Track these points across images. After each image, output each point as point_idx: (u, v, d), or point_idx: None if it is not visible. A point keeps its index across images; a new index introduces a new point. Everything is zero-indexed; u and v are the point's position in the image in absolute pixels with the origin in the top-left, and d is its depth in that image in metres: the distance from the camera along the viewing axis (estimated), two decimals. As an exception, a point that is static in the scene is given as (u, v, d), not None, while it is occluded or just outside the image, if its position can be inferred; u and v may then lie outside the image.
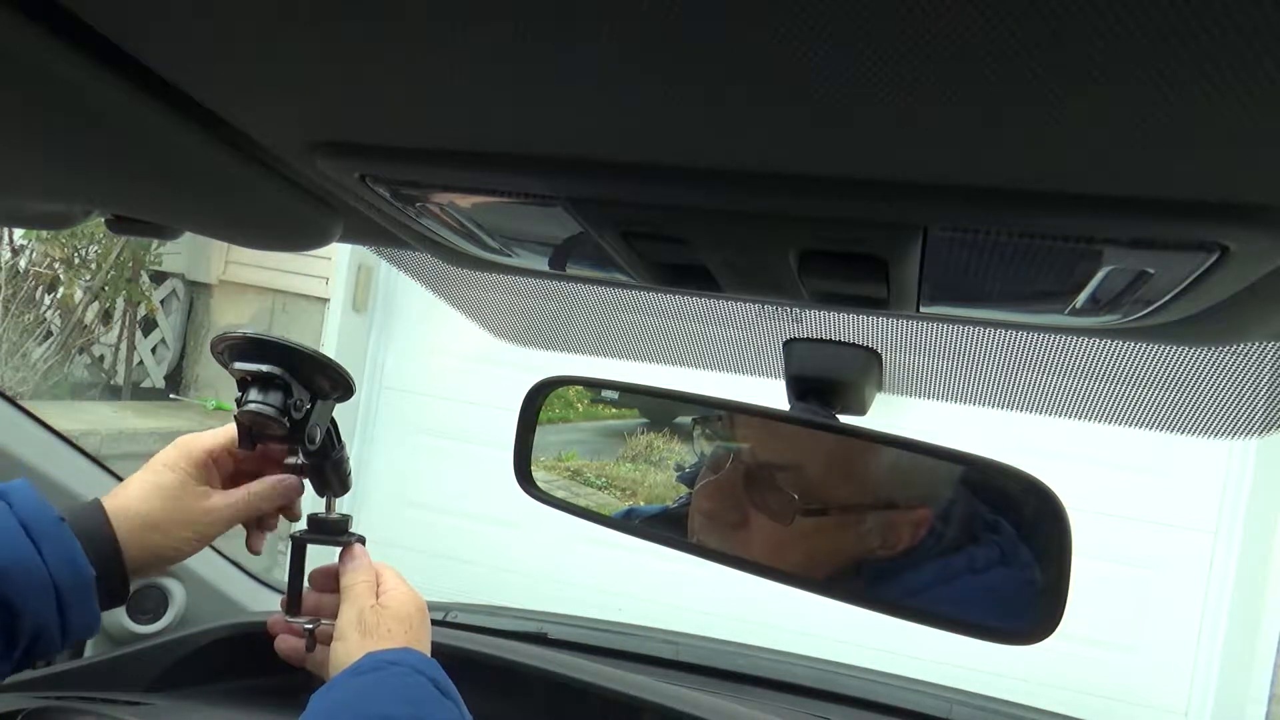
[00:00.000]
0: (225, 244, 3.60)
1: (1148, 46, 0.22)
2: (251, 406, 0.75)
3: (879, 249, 0.38)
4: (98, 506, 0.75)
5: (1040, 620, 0.62)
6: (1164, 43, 0.21)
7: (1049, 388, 0.75)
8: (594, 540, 3.20)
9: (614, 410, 0.89)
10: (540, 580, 3.40)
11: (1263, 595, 2.92)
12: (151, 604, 1.15)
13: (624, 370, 0.83)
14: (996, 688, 1.42)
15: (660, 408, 0.83)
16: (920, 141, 0.29)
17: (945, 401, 0.83)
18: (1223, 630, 2.96)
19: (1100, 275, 0.37)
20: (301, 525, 0.86)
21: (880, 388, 0.73)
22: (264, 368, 0.75)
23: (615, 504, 0.83)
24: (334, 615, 0.77)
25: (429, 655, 0.74)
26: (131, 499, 0.76)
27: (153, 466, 0.79)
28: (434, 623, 1.20)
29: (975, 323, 0.55)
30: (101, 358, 4.52)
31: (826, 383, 0.69)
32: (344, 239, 0.63)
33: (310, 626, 0.82)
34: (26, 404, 1.15)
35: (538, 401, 0.84)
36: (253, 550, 0.85)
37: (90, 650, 1.13)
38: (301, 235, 0.59)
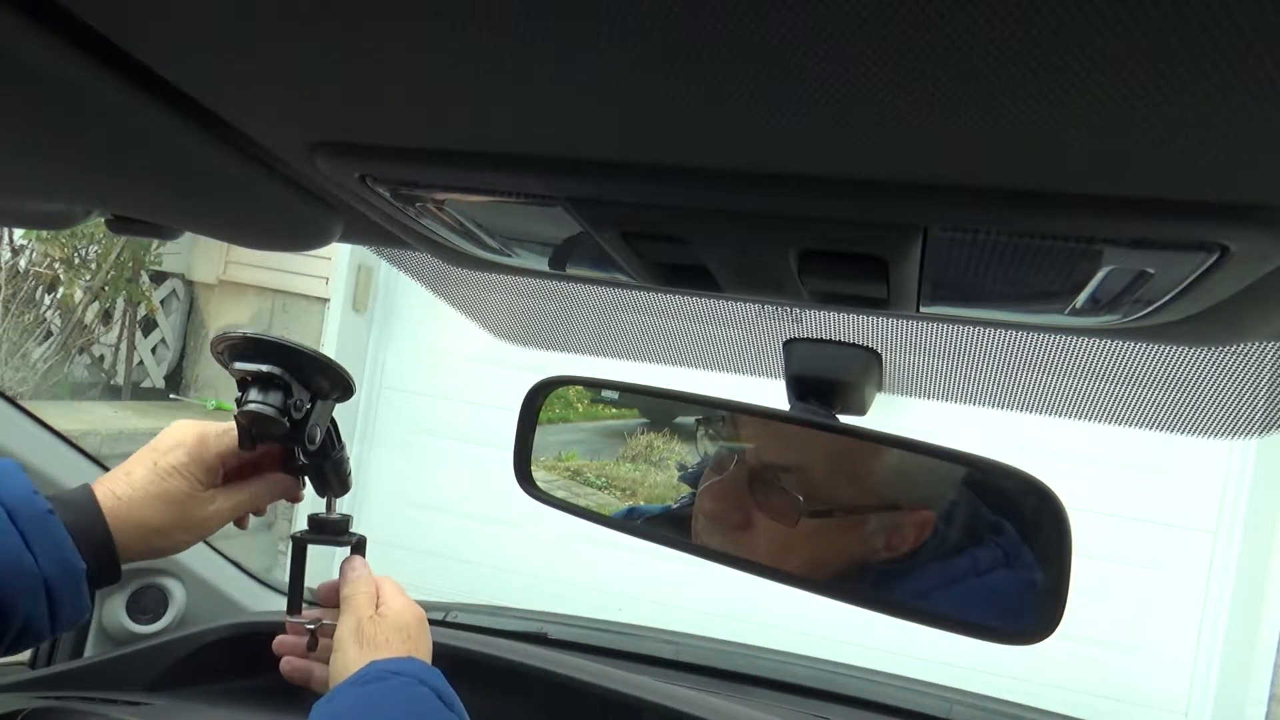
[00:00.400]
0: (225, 244, 3.60)
1: (1148, 46, 0.22)
2: (251, 406, 0.75)
3: (879, 249, 0.38)
4: (88, 495, 0.73)
5: (1041, 620, 0.62)
6: (1164, 43, 0.21)
7: (1049, 388, 0.75)
8: (594, 540, 3.20)
9: (614, 410, 0.89)
10: (540, 580, 3.40)
11: (1263, 595, 2.91)
12: (151, 604, 1.15)
13: (624, 370, 0.83)
14: (996, 688, 1.42)
15: (660, 408, 0.83)
16: (920, 141, 0.29)
17: (945, 401, 0.83)
18: (1223, 630, 2.96)
19: (1100, 275, 0.37)
20: (302, 525, 0.86)
21: (880, 388, 0.73)
22: (264, 368, 0.75)
23: (615, 504, 0.83)
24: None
25: (430, 665, 0.74)
26: (133, 504, 0.74)
27: (160, 467, 0.76)
28: (434, 623, 1.20)
29: (975, 323, 0.55)
30: (101, 358, 4.52)
31: (827, 383, 0.69)
32: (344, 239, 0.63)
33: (312, 627, 0.82)
34: (26, 404, 1.15)
35: (538, 401, 0.84)
36: (240, 526, 0.85)
37: (90, 650, 1.13)
38: (301, 235, 0.59)
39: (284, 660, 0.82)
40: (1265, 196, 0.29)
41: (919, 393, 0.81)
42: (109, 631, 1.14)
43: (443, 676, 0.72)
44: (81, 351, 4.38)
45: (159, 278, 4.48)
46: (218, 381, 4.40)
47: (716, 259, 0.44)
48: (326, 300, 3.78)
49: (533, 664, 1.08)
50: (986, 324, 0.56)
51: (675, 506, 0.79)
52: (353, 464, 0.88)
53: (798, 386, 0.70)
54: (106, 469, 1.13)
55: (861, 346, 0.69)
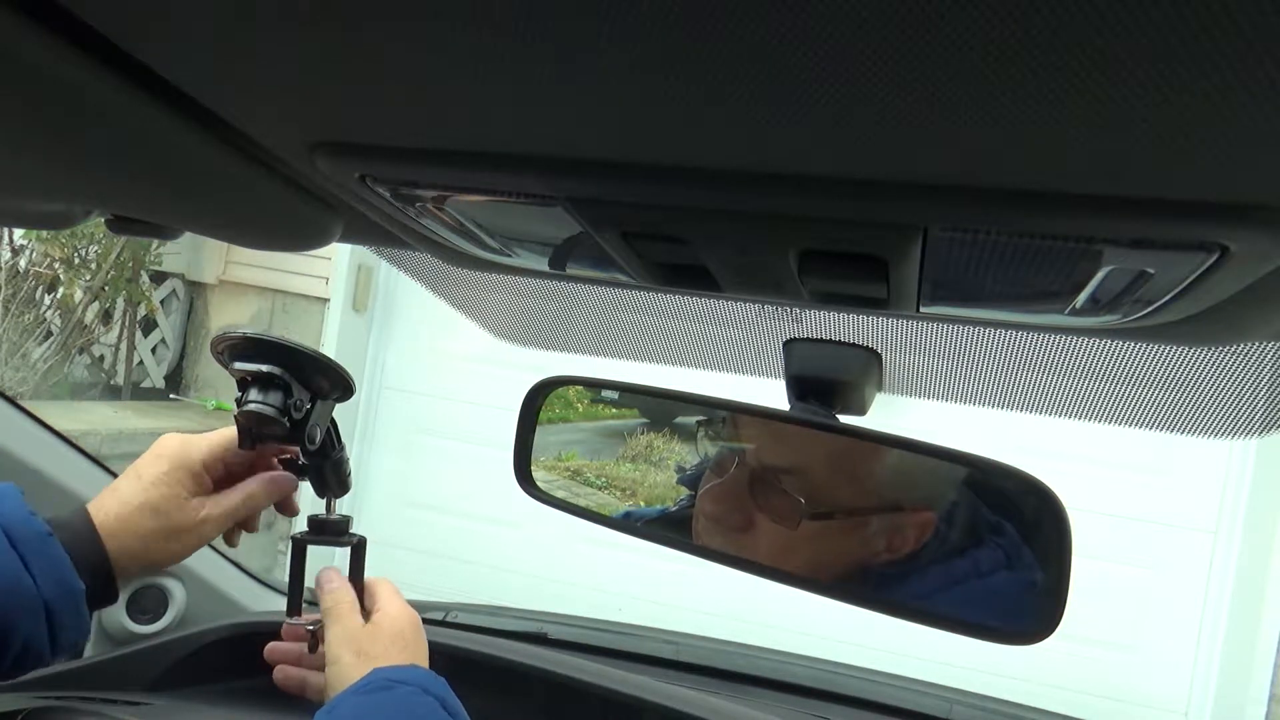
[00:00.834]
0: (225, 244, 3.60)
1: (1148, 46, 0.22)
2: (251, 406, 0.75)
3: (879, 249, 0.38)
4: (85, 517, 0.73)
5: (1041, 620, 0.62)
6: (1164, 43, 0.21)
7: (1049, 388, 0.75)
8: (594, 540, 3.20)
9: (614, 410, 0.89)
10: (540, 580, 3.40)
11: (1263, 595, 2.91)
12: (151, 604, 1.15)
13: (624, 370, 0.83)
14: (996, 688, 1.42)
15: (660, 408, 0.83)
16: (920, 141, 0.29)
17: (945, 401, 0.83)
18: (1223, 630, 2.96)
19: (1100, 275, 0.37)
20: (302, 526, 0.86)
21: (880, 388, 0.73)
22: (264, 368, 0.75)
23: (615, 504, 0.83)
24: None
25: (429, 670, 0.74)
26: (123, 519, 0.74)
27: (144, 479, 0.76)
28: (434, 623, 1.20)
29: (975, 323, 0.55)
30: (101, 358, 4.52)
31: (827, 383, 0.69)
32: (344, 239, 0.63)
33: (312, 628, 0.82)
34: (26, 404, 1.15)
35: (538, 401, 0.84)
36: (230, 544, 0.84)
37: (90, 650, 1.13)
38: (301, 235, 0.59)
39: (277, 669, 0.81)
40: (1265, 196, 0.29)
41: (919, 393, 0.81)
42: (109, 631, 1.14)
43: (446, 684, 0.71)
44: (81, 351, 4.38)
45: (159, 278, 4.48)
46: (218, 381, 4.40)
47: (716, 259, 0.44)
48: (326, 300, 3.78)
49: (533, 664, 1.08)
50: (986, 324, 0.56)
51: (675, 509, 0.79)
52: (353, 464, 0.87)
53: (798, 386, 0.70)
54: (107, 469, 1.13)
55: (861, 346, 0.69)
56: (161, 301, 4.51)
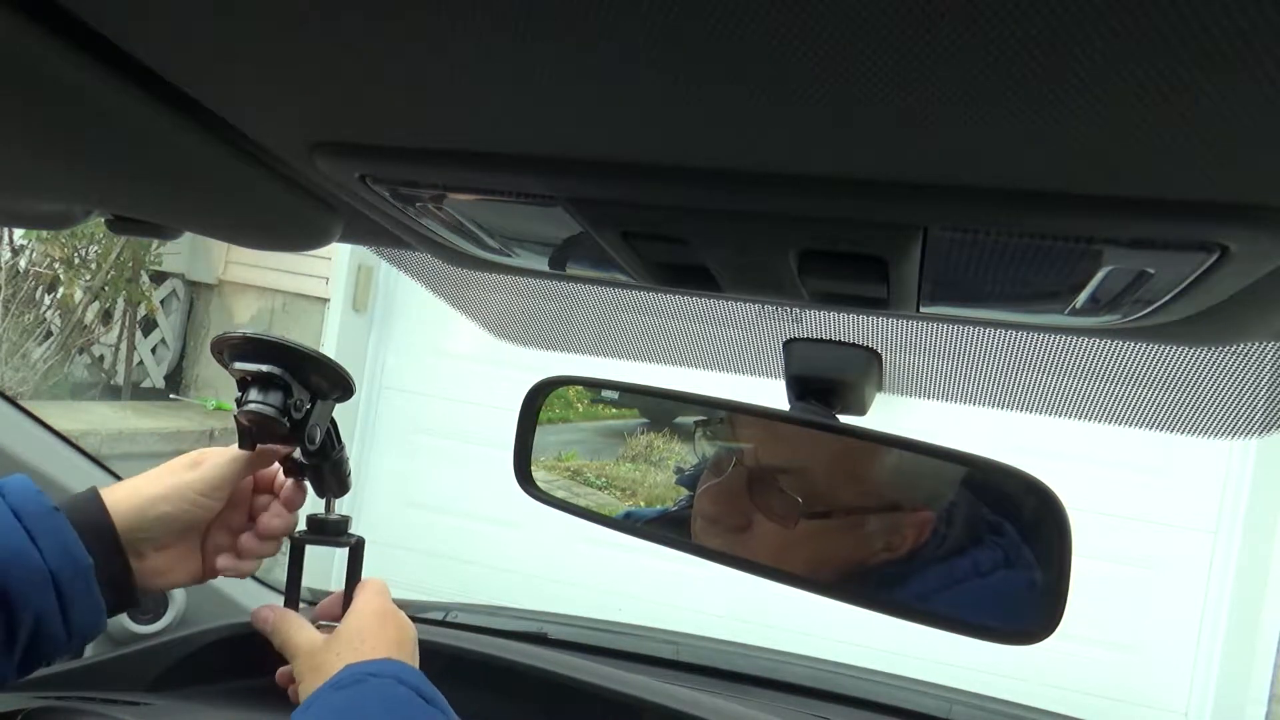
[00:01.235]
0: (225, 244, 3.60)
1: (1147, 47, 0.22)
2: (251, 406, 0.75)
3: (879, 249, 0.38)
4: (94, 495, 0.74)
5: (1041, 620, 0.62)
6: (1164, 43, 0.21)
7: (1049, 388, 0.75)
8: (594, 540, 3.20)
9: (614, 410, 0.88)
10: (540, 580, 3.40)
11: (1263, 595, 2.92)
12: (151, 604, 1.15)
13: (624, 370, 0.83)
14: (996, 688, 1.42)
15: (660, 408, 0.83)
16: (920, 141, 0.29)
17: (945, 401, 0.83)
18: (1223, 630, 2.96)
19: (1100, 275, 0.37)
20: (301, 526, 0.86)
21: (880, 388, 0.73)
22: (264, 368, 0.75)
23: (615, 504, 0.82)
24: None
25: (407, 661, 0.73)
26: (130, 482, 0.76)
27: (159, 469, 0.79)
28: (434, 623, 1.20)
29: (975, 323, 0.55)
30: (101, 358, 4.52)
31: (826, 383, 0.69)
32: (344, 239, 0.63)
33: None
34: (26, 404, 1.15)
35: (538, 401, 0.84)
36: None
37: (90, 650, 1.13)
38: (301, 235, 0.59)
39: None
40: (1265, 196, 0.29)
41: (919, 393, 0.81)
42: (109, 631, 1.14)
43: (422, 675, 0.70)
44: (81, 351, 4.38)
45: (159, 278, 4.49)
46: (218, 381, 4.40)
47: (716, 259, 0.44)
48: (326, 300, 3.78)
49: (532, 664, 1.08)
50: (986, 324, 0.56)
51: (673, 509, 0.79)
52: (353, 464, 0.87)
53: (798, 386, 0.70)
54: (107, 469, 1.13)
55: (861, 346, 0.69)
56: (161, 301, 4.51)
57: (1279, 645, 2.90)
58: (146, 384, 4.53)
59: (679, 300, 0.72)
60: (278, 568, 0.91)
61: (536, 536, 3.36)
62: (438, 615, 1.28)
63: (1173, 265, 0.35)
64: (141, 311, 4.43)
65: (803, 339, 0.70)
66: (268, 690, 0.83)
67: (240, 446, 0.79)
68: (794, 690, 1.22)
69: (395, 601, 0.80)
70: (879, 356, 0.69)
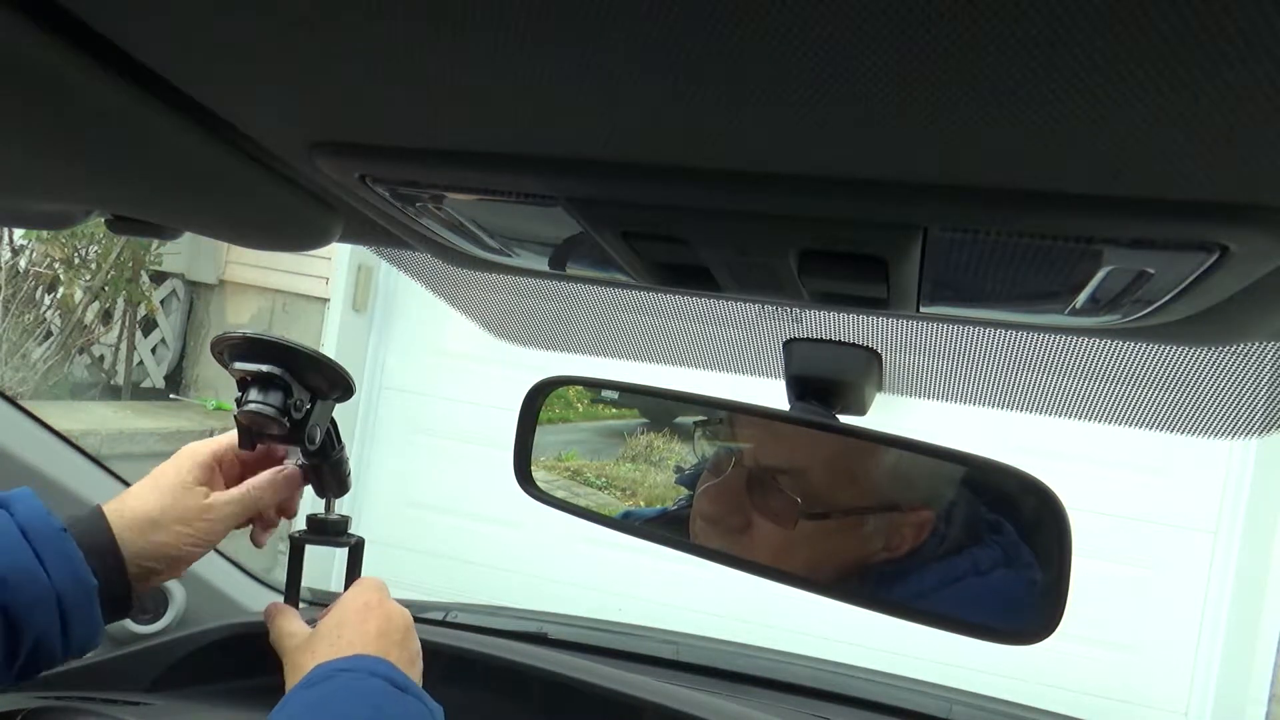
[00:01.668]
0: (225, 244, 3.60)
1: (1148, 46, 0.22)
2: (251, 406, 0.75)
3: (879, 249, 0.38)
4: (99, 515, 0.74)
5: (1041, 620, 0.62)
6: (1164, 43, 0.21)
7: (1049, 388, 0.75)
8: (594, 540, 3.20)
9: (614, 410, 0.88)
10: (540, 580, 3.40)
11: (1263, 595, 2.92)
12: (151, 604, 1.15)
13: (624, 370, 0.83)
14: (996, 688, 1.42)
15: (660, 408, 0.83)
16: (920, 141, 0.29)
17: (945, 401, 0.83)
18: (1223, 630, 2.96)
19: (1100, 275, 0.37)
20: (301, 526, 0.86)
21: (880, 388, 0.73)
22: (264, 368, 0.75)
23: (615, 504, 0.82)
24: None
25: (391, 652, 0.72)
26: (129, 500, 0.76)
27: (159, 479, 0.78)
28: (434, 623, 1.20)
29: (975, 323, 0.55)
30: (101, 358, 4.52)
31: (826, 383, 0.69)
32: (344, 239, 0.63)
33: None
34: (26, 404, 1.15)
35: (538, 401, 0.84)
36: (257, 543, 0.85)
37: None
38: (301, 235, 0.59)
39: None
40: (1265, 196, 0.29)
41: (919, 393, 0.81)
42: (109, 631, 1.14)
43: (393, 666, 0.70)
44: (81, 351, 4.38)
45: (159, 278, 4.48)
46: (218, 381, 4.40)
47: (716, 259, 0.44)
48: (326, 300, 3.78)
49: (532, 664, 1.08)
50: (986, 324, 0.56)
51: (672, 509, 0.79)
52: (353, 464, 0.87)
53: (798, 386, 0.70)
54: (107, 470, 1.13)
55: (861, 346, 0.69)
56: (161, 301, 4.51)
57: (1279, 645, 2.90)
58: (146, 384, 4.53)
59: (679, 300, 0.72)
60: (278, 568, 0.91)
61: (536, 536, 3.36)
62: (438, 615, 1.28)
63: (1173, 265, 0.35)
64: (141, 311, 4.43)
65: (803, 339, 0.70)
66: (268, 690, 0.83)
67: (240, 446, 0.79)
68: (794, 690, 1.22)
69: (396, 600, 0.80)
70: (879, 356, 0.69)
